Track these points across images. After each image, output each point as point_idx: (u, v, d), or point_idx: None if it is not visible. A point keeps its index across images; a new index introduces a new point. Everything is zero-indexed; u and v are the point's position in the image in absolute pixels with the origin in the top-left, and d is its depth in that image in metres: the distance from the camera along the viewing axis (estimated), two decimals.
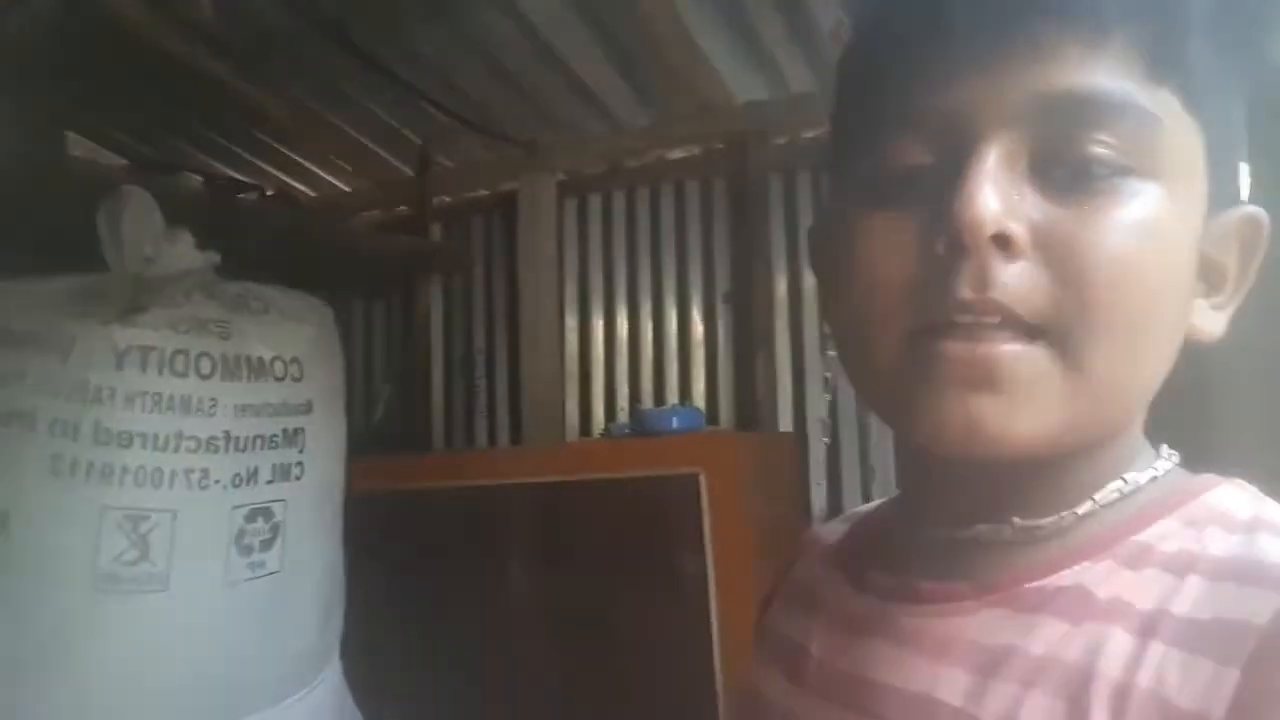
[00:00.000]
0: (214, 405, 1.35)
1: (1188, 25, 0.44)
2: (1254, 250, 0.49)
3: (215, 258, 1.50)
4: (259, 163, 2.58)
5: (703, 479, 1.63)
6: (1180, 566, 0.43)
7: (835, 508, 2.09)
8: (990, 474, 0.47)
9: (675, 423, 1.81)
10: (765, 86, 2.21)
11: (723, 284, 2.32)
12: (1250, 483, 0.48)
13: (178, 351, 1.34)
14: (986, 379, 0.42)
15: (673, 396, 2.31)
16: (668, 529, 1.64)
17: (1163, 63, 0.43)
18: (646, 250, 2.43)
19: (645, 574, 1.67)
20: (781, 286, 2.23)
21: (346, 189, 2.78)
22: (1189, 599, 0.41)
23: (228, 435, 1.36)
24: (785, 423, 2.18)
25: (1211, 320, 0.49)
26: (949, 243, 0.42)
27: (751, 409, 2.18)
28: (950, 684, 0.46)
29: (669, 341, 2.36)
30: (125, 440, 1.29)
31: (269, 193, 2.46)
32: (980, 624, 0.47)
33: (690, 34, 1.93)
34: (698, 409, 2.10)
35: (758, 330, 2.20)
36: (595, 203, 2.51)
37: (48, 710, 1.25)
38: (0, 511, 1.28)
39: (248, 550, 1.37)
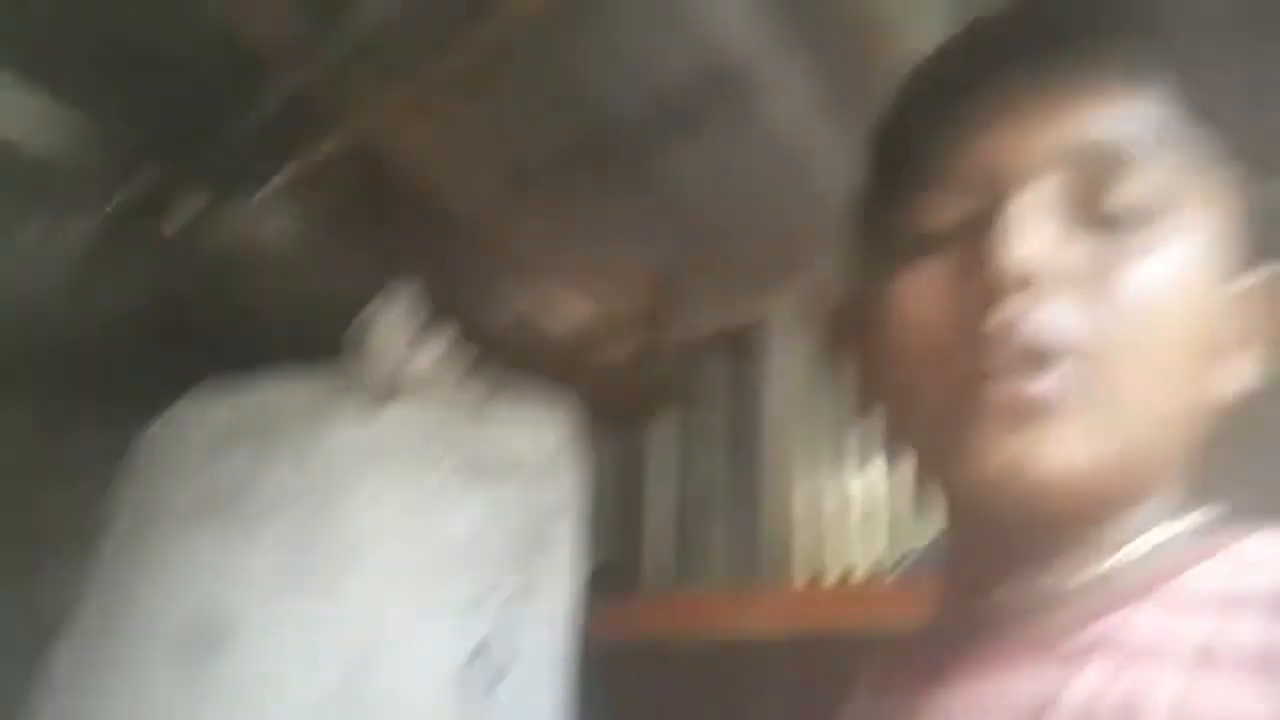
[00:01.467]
0: (463, 502, 1.23)
1: (1206, 79, 0.47)
2: (1278, 308, 0.51)
3: (473, 351, 1.42)
4: (508, 287, 2.61)
5: None
6: (1225, 605, 0.43)
7: None
8: (1029, 529, 0.49)
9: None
10: None
11: None
12: None
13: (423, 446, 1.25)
14: (1027, 417, 0.44)
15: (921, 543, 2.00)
16: None
17: (1195, 100, 0.46)
18: None
19: None
20: None
21: (583, 318, 2.77)
22: (1240, 632, 0.41)
23: (476, 537, 1.22)
24: None
25: (1237, 379, 0.51)
26: (988, 290, 0.44)
27: None
28: None
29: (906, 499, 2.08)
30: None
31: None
32: (1029, 682, 0.47)
33: None
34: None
35: None
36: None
37: None
38: (219, 625, 1.18)
39: (474, 688, 1.21)
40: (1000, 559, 0.51)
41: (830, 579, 2.08)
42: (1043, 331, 0.44)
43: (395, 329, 1.36)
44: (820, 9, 1.46)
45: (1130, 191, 0.45)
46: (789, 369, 2.29)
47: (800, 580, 1.98)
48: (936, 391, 0.47)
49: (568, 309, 2.73)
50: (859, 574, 1.93)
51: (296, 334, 1.53)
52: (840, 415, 2.26)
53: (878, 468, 2.18)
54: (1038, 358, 0.44)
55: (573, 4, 1.51)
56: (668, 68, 1.66)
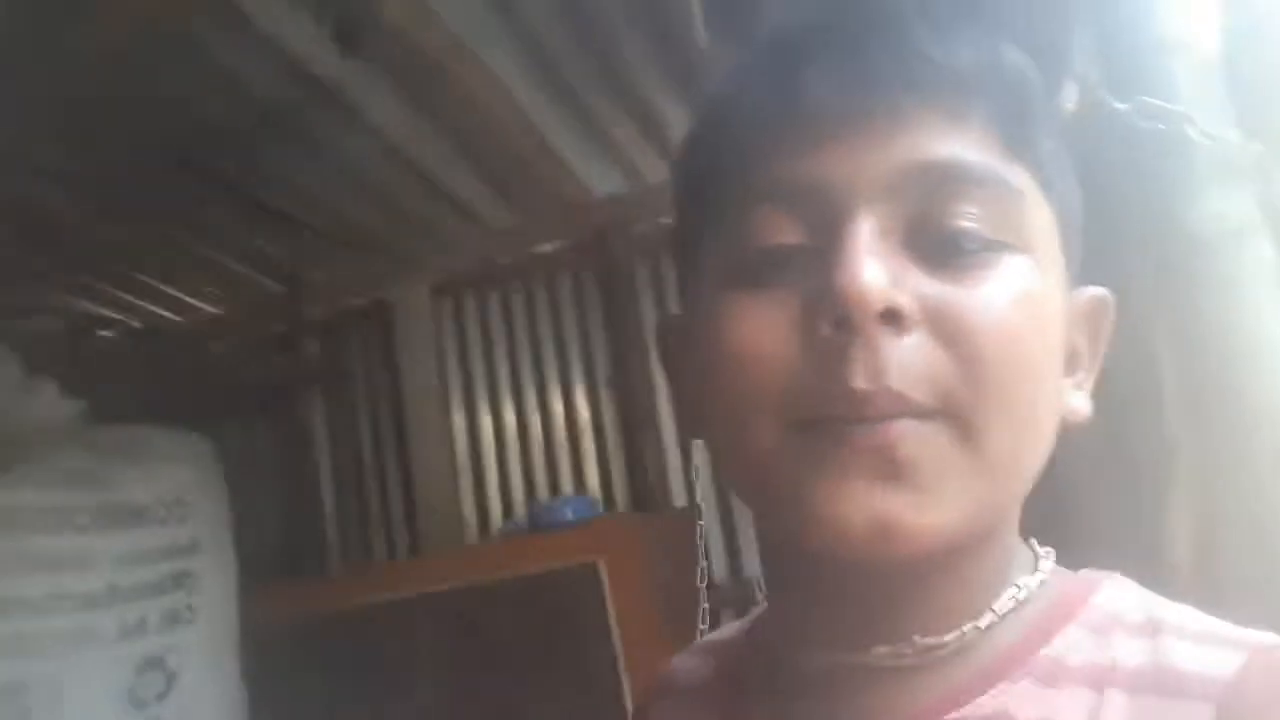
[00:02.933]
0: (93, 558, 1.32)
1: (1035, 110, 0.45)
2: (1102, 331, 0.49)
3: (81, 406, 1.48)
4: (122, 295, 2.52)
5: (602, 566, 1.67)
6: (1096, 680, 0.41)
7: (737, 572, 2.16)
8: (887, 581, 0.42)
9: (570, 513, 1.84)
10: (622, 180, 2.32)
11: (603, 370, 2.39)
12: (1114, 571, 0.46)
13: (50, 509, 1.30)
14: (891, 468, 0.38)
15: (567, 486, 2.34)
16: (573, 621, 1.65)
17: (1017, 141, 0.43)
18: (525, 345, 2.49)
19: (555, 668, 1.68)
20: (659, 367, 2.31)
21: (217, 312, 2.74)
22: (1115, 717, 0.39)
23: (111, 587, 1.32)
24: (680, 499, 2.24)
25: (1078, 400, 0.47)
26: (836, 321, 0.39)
27: (645, 490, 2.23)
28: None
29: (557, 432, 2.40)
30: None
31: (135, 325, 2.41)
32: None
33: (543, 136, 2.03)
34: (591, 497, 2.14)
35: (642, 412, 2.27)
36: (470, 303, 2.56)
37: None
38: None
39: (142, 705, 1.33)
40: (844, 614, 0.44)
41: (478, 534, 2.36)
42: (900, 384, 0.38)
43: None
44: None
45: (968, 213, 0.41)
46: (426, 343, 2.47)
47: (454, 539, 2.24)
48: (773, 432, 0.41)
49: (193, 304, 2.69)
50: (503, 528, 2.22)
51: None
52: (477, 383, 2.51)
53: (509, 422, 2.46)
54: (898, 400, 0.38)
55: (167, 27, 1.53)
56: (263, 82, 1.73)
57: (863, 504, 0.38)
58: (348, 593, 1.90)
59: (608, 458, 2.33)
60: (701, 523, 1.50)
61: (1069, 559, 0.48)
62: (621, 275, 2.37)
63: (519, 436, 2.44)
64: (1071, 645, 0.42)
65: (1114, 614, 0.43)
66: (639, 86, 1.97)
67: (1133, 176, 0.81)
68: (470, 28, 1.70)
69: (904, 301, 0.39)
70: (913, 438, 0.38)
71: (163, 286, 2.53)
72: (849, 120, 0.41)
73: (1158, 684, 0.39)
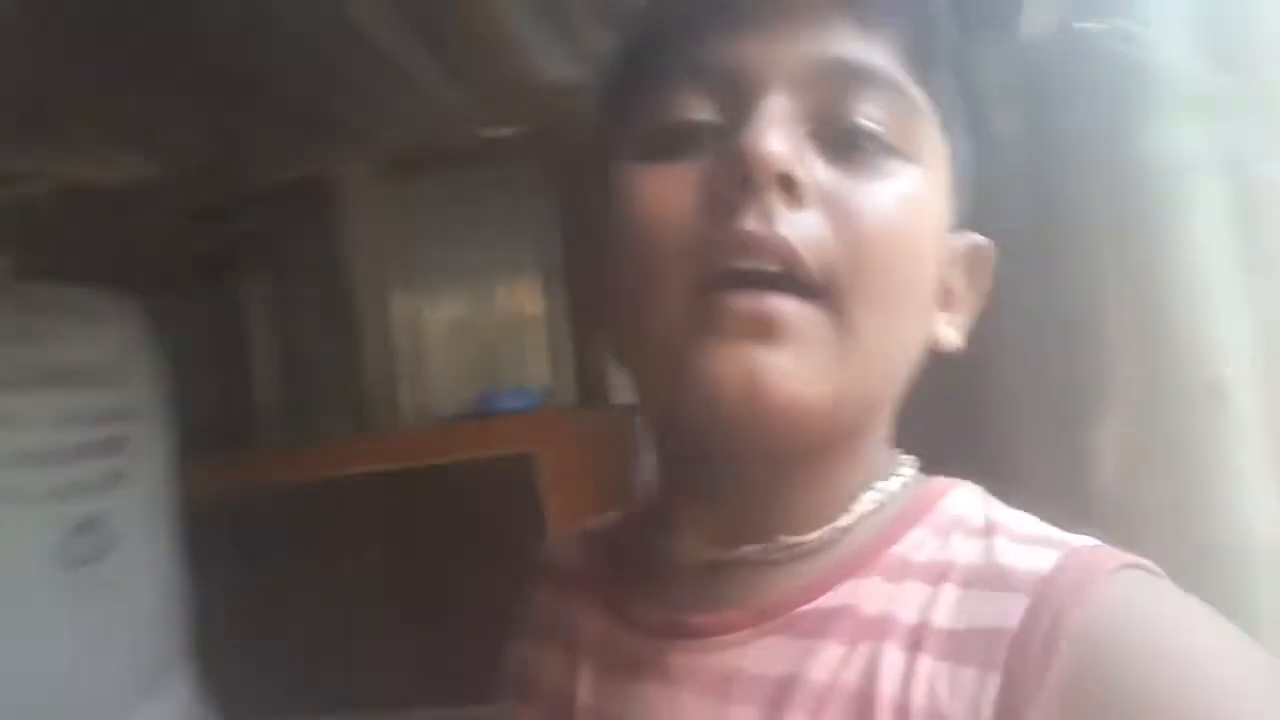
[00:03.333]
0: (22, 417, 1.29)
1: (942, 41, 0.48)
2: (981, 276, 0.53)
3: (5, 261, 1.42)
4: (47, 148, 2.39)
5: (539, 459, 1.68)
6: (934, 576, 0.44)
7: None
8: (757, 468, 0.46)
9: (511, 403, 1.85)
10: (576, 66, 2.26)
11: (553, 261, 2.37)
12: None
13: None
14: (768, 331, 0.41)
15: (511, 378, 2.34)
16: (508, 511, 1.68)
17: (920, 65, 0.46)
18: (473, 232, 2.44)
19: (487, 559, 1.71)
20: None
21: (147, 175, 2.62)
22: (946, 610, 0.43)
23: (41, 447, 1.29)
24: (625, 397, 2.26)
25: (948, 332, 0.51)
26: (737, 182, 0.42)
27: (588, 386, 2.25)
28: None
29: (504, 323, 2.39)
30: None
31: (60, 182, 2.30)
32: (759, 655, 0.45)
33: (498, 13, 1.96)
34: (534, 388, 2.15)
35: (588, 307, 2.27)
36: (417, 185, 2.49)
37: None
38: None
39: (74, 564, 1.32)
40: (717, 509, 0.48)
41: (422, 417, 2.36)
42: (791, 236, 0.41)
43: None
44: None
45: (870, 114, 0.44)
46: (370, 224, 2.41)
47: (392, 425, 2.23)
48: (671, 297, 0.43)
49: (118, 165, 2.56)
50: (443, 415, 2.22)
51: None
52: (420, 268, 2.47)
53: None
54: (778, 261, 0.41)
55: None
56: None
57: (738, 361, 0.41)
58: (283, 467, 1.90)
59: (554, 351, 2.33)
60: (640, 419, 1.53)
61: (996, 482, 0.51)
62: (573, 164, 2.33)
63: (465, 325, 2.42)
64: (917, 545, 0.46)
65: (957, 517, 0.47)
66: None
67: (1092, 100, 0.84)
68: None
69: (800, 173, 0.42)
70: (791, 310, 0.42)
71: (90, 143, 2.41)
72: (767, 11, 0.44)
73: (984, 578, 0.43)
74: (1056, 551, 0.43)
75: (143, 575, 1.42)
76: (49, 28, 1.89)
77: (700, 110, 0.45)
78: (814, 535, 0.47)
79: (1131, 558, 0.43)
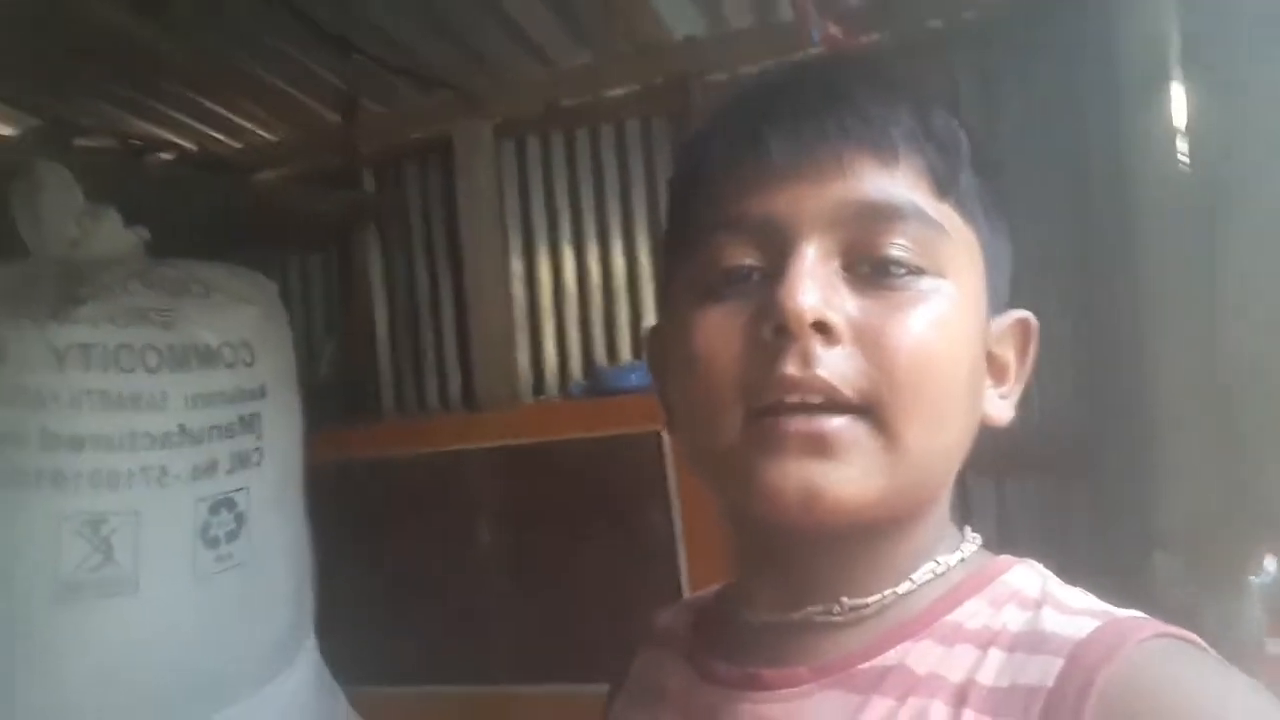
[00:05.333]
0: (165, 399, 1.31)
1: (959, 156, 0.52)
2: (1027, 348, 0.58)
3: (144, 234, 1.43)
4: (176, 115, 2.44)
5: (665, 436, 1.64)
6: (984, 641, 0.49)
7: None
8: (820, 549, 0.51)
9: (634, 379, 1.81)
10: (703, 23, 2.16)
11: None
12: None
13: (121, 346, 1.28)
14: (819, 448, 0.47)
15: (625, 338, 2.30)
16: (634, 489, 1.65)
17: (942, 182, 0.51)
18: (590, 193, 2.39)
19: (612, 535, 1.69)
20: None
21: (272, 139, 2.66)
22: (992, 670, 0.47)
23: (182, 428, 1.32)
24: None
25: (1000, 407, 0.56)
26: (776, 329, 0.47)
27: None
28: None
29: (619, 287, 2.34)
30: (76, 444, 1.24)
31: (189, 149, 2.34)
32: (819, 707, 0.50)
33: None
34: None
35: None
36: (534, 145, 2.44)
37: None
38: None
39: (214, 543, 1.35)
40: (786, 579, 0.54)
41: (533, 387, 2.34)
42: (829, 375, 0.46)
43: (57, 214, 1.32)
44: None
45: (897, 244, 0.48)
46: (488, 185, 2.38)
47: (508, 390, 2.22)
48: (729, 421, 0.49)
49: (248, 129, 2.60)
50: (566, 390, 2.19)
51: None
52: (537, 229, 2.43)
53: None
54: (820, 395, 0.47)
55: None
56: None
57: (795, 476, 0.47)
58: (406, 440, 1.92)
59: None
60: None
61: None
62: (695, 123, 2.24)
63: (579, 289, 2.38)
64: (972, 613, 0.50)
65: (1015, 590, 0.51)
66: None
67: None
68: None
69: (833, 317, 0.47)
70: (839, 426, 0.47)
71: (217, 108, 2.44)
72: (800, 168, 0.50)
73: (1029, 643, 0.47)
74: (1098, 621, 0.46)
75: (275, 551, 1.45)
76: None
77: (744, 256, 0.51)
78: (873, 599, 0.52)
79: (1175, 629, 0.46)
